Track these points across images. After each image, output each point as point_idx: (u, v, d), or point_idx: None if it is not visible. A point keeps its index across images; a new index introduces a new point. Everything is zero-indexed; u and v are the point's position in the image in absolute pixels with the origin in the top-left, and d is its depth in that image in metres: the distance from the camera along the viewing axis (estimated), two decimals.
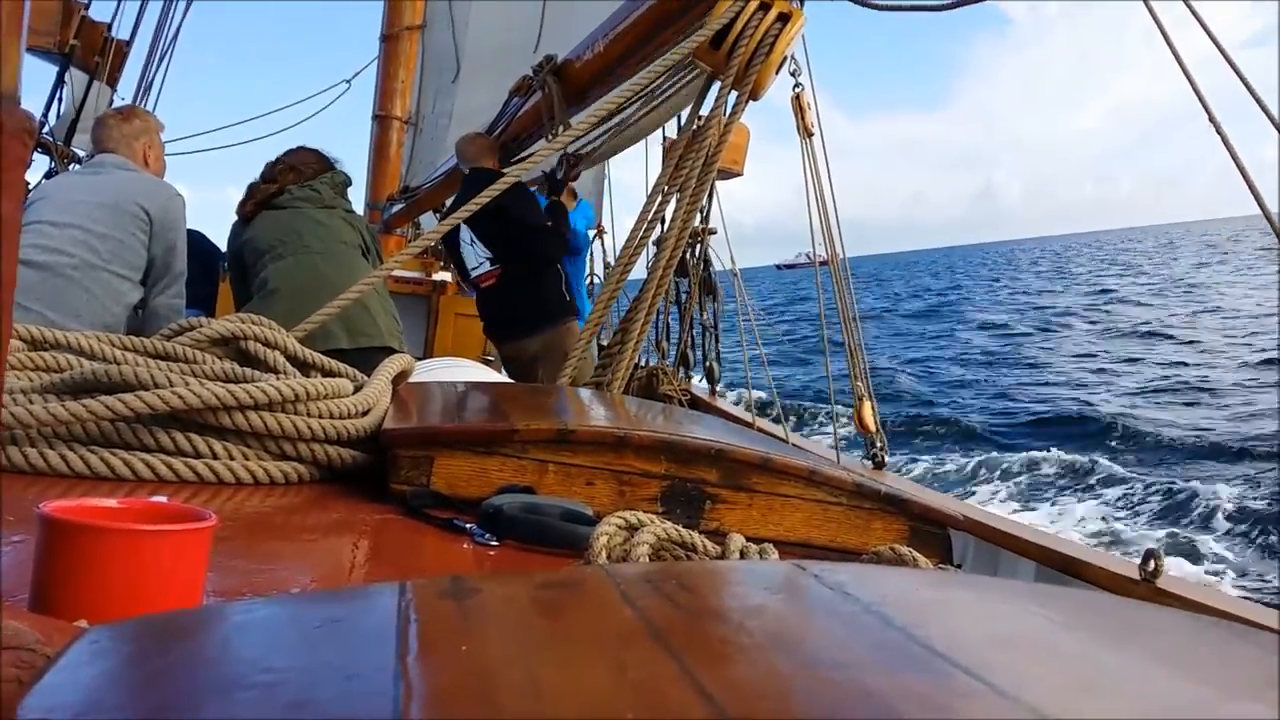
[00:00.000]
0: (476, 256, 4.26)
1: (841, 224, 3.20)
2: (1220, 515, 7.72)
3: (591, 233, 7.71)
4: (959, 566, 1.73)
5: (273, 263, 3.09)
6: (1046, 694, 0.43)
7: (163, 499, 0.84)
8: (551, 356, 4.01)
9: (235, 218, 3.36)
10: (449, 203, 5.77)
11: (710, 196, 4.41)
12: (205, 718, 0.40)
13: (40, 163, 6.45)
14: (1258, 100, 1.85)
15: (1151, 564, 1.64)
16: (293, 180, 3.25)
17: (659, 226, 2.96)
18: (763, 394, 6.55)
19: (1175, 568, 6.05)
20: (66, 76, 6.62)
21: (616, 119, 3.70)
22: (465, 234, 4.21)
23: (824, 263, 3.28)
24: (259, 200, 3.22)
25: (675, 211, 2.78)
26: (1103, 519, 8.03)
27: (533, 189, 4.71)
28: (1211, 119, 1.92)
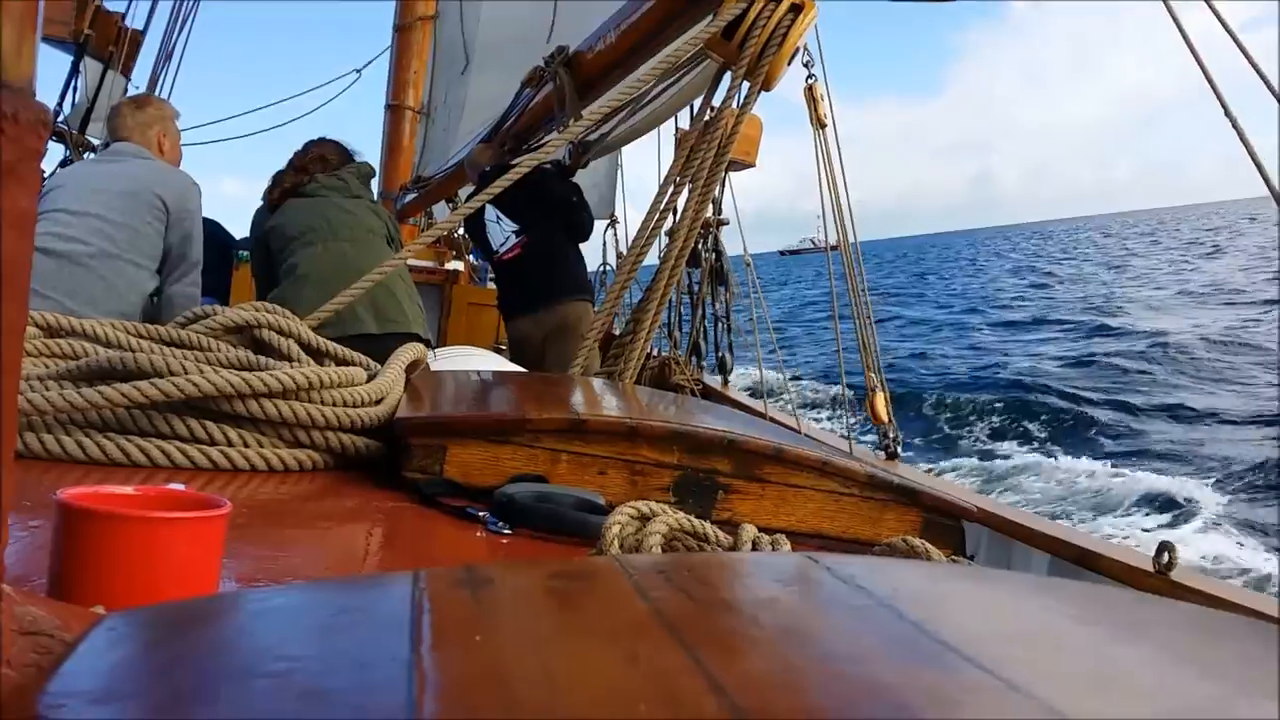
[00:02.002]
0: (503, 232, 4.29)
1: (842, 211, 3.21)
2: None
3: (604, 224, 7.70)
4: (972, 558, 1.72)
5: (301, 249, 3.12)
6: (1059, 689, 0.43)
7: (178, 486, 0.84)
8: (563, 337, 4.03)
9: (250, 207, 3.40)
10: (463, 194, 5.77)
11: (722, 188, 4.40)
12: (220, 705, 0.41)
13: (55, 151, 6.49)
14: (1263, 78, 1.84)
15: (1166, 556, 1.64)
16: (318, 170, 3.28)
17: (671, 217, 2.95)
18: (775, 384, 6.53)
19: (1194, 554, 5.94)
20: (81, 66, 6.66)
21: (627, 108, 3.68)
22: (490, 213, 4.26)
23: (834, 247, 3.27)
24: (286, 188, 3.25)
25: (687, 202, 2.77)
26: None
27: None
28: (1220, 100, 1.92)
